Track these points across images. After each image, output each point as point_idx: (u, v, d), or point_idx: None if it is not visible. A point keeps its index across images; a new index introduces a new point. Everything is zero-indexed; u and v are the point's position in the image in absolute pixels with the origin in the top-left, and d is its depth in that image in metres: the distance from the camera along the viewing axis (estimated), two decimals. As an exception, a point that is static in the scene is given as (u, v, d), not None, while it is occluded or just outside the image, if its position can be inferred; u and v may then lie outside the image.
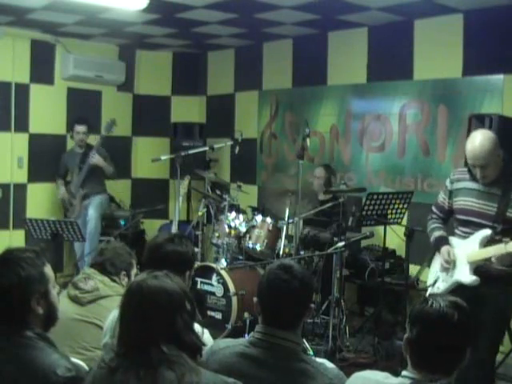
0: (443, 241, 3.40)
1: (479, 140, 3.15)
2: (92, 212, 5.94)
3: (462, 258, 3.25)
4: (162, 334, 1.64)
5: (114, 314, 2.39)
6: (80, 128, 6.02)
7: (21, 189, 6.43)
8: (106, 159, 6.02)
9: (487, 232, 3.16)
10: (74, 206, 5.97)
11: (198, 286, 4.85)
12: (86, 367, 1.88)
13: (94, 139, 6.19)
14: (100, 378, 1.66)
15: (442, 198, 3.51)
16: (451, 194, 3.41)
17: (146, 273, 1.77)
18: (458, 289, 3.21)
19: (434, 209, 3.58)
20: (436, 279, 3.40)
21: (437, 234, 3.47)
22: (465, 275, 3.21)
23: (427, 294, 3.40)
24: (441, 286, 3.35)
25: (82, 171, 5.96)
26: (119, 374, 1.61)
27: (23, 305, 1.78)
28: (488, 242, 3.15)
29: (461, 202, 3.33)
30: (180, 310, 1.70)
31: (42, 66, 6.51)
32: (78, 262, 5.87)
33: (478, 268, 3.19)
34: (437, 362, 1.68)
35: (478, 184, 3.25)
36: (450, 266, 3.30)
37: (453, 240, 3.37)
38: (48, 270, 1.87)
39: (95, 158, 5.86)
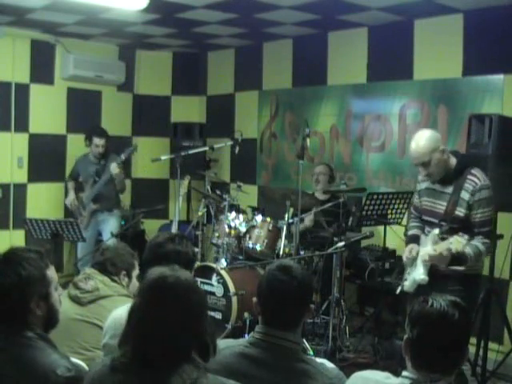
0: (411, 239, 3.53)
1: (415, 139, 3.27)
2: (108, 236, 5.74)
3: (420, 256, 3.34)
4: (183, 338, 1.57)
5: (113, 314, 2.39)
6: (99, 141, 5.82)
7: (21, 189, 6.43)
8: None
9: (435, 231, 3.25)
10: (83, 217, 5.88)
11: (198, 286, 4.84)
12: (86, 367, 1.88)
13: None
14: (99, 378, 1.65)
15: (415, 198, 3.65)
16: (419, 194, 3.56)
17: (167, 268, 1.69)
18: (422, 287, 3.26)
19: (411, 209, 3.77)
20: (406, 276, 3.48)
21: (410, 232, 3.62)
22: (418, 273, 3.29)
23: (397, 290, 3.49)
24: (406, 283, 3.42)
25: (96, 185, 5.79)
26: (118, 375, 1.59)
27: (23, 305, 1.78)
28: (440, 240, 3.20)
29: (422, 202, 3.50)
30: (204, 311, 1.65)
31: (41, 66, 6.50)
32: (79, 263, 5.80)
33: (431, 268, 3.25)
34: (438, 362, 1.68)
35: (436, 184, 3.37)
36: (408, 262, 3.39)
37: (422, 239, 3.47)
38: (51, 272, 1.86)
39: (117, 170, 5.67)
